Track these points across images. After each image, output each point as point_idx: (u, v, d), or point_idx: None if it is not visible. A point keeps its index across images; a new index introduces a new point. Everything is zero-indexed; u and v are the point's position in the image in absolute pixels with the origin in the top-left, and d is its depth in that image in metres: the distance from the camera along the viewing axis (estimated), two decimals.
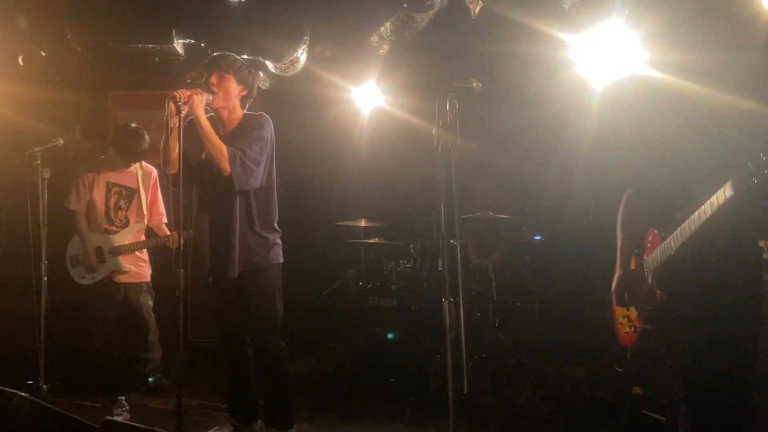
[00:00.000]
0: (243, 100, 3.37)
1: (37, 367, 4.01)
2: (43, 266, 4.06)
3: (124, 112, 5.73)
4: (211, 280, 3.35)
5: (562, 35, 4.39)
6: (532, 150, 5.61)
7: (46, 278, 4.08)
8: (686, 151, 2.49)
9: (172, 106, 2.89)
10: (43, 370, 4.02)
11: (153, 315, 4.56)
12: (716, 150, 2.36)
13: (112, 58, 5.19)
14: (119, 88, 5.81)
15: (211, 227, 3.30)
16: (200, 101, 3.04)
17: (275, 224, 3.41)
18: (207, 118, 3.15)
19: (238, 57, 3.36)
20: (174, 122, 2.88)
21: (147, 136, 4.48)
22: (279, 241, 3.43)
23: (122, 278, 4.44)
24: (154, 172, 4.65)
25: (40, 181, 4.02)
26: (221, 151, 3.07)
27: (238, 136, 3.25)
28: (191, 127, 3.08)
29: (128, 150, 4.41)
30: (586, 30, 4.29)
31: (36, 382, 4.04)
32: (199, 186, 3.37)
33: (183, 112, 2.90)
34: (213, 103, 3.19)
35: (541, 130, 5.52)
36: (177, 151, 2.88)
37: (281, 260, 3.43)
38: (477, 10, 3.97)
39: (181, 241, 2.76)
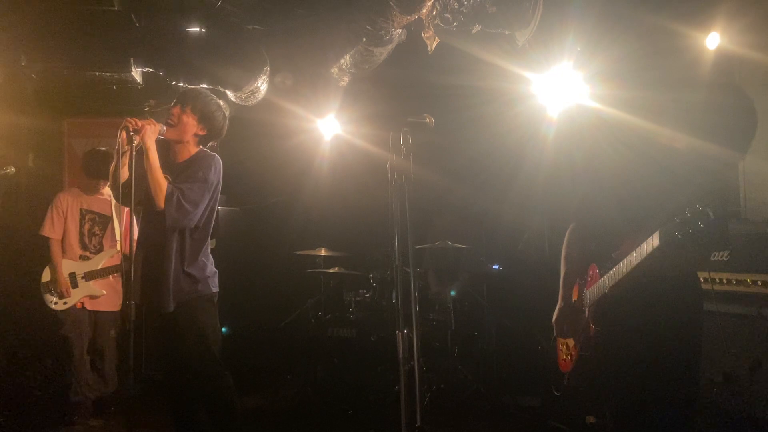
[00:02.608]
0: (202, 140, 3.33)
1: None
2: None
3: (79, 139, 5.63)
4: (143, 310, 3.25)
5: (517, 70, 4.52)
6: (489, 180, 5.71)
7: None
8: (631, 183, 2.57)
9: (124, 134, 2.88)
10: None
11: (113, 346, 4.53)
12: (658, 184, 2.44)
13: (69, 85, 5.14)
14: (75, 115, 5.71)
15: (145, 257, 3.24)
16: (152, 131, 3.03)
17: (204, 258, 3.32)
18: (163, 141, 3.15)
19: (213, 98, 3.32)
20: (125, 150, 2.87)
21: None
22: (208, 273, 3.32)
23: (93, 306, 4.45)
24: None
25: None
26: (160, 186, 3.06)
27: (184, 172, 3.23)
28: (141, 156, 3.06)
29: (98, 171, 4.47)
30: (540, 65, 4.44)
31: None
32: (143, 212, 3.31)
33: (135, 141, 2.88)
34: (166, 134, 3.18)
35: (499, 161, 5.63)
36: (126, 179, 2.87)
37: (214, 290, 3.33)
38: (434, 46, 4.07)
39: (132, 274, 2.72)
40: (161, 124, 3.11)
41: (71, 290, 4.37)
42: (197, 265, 3.27)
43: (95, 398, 4.43)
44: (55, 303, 4.37)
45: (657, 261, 2.23)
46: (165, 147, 3.23)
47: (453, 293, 5.30)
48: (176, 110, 3.23)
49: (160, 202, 3.06)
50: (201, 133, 3.29)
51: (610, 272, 2.46)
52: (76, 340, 4.37)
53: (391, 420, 4.38)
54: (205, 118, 3.26)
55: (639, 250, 2.27)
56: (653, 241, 2.19)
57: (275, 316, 6.06)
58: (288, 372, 5.71)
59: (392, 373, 4.76)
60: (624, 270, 2.36)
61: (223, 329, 5.18)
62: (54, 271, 4.37)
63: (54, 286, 4.37)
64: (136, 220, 3.25)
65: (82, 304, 4.41)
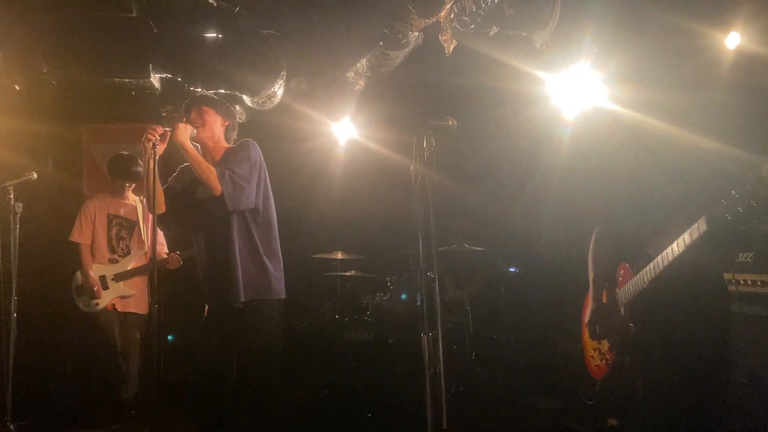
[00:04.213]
0: (227, 132, 3.40)
1: (4, 406, 3.91)
2: (13, 302, 4.00)
3: (98, 145, 5.69)
4: (207, 309, 3.27)
5: (532, 70, 4.51)
6: (504, 182, 5.71)
7: (15, 314, 4.00)
8: (652, 185, 2.56)
9: (148, 144, 2.93)
10: (10, 409, 3.91)
11: (138, 349, 4.60)
12: (680, 185, 2.43)
13: (88, 92, 5.19)
14: (93, 121, 5.77)
15: (209, 254, 3.23)
16: (183, 128, 3.09)
17: (278, 253, 3.30)
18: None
19: (212, 95, 3.42)
20: (151, 159, 2.92)
21: (140, 161, 4.59)
22: (281, 273, 3.29)
23: (123, 307, 4.58)
24: None
25: (11, 216, 3.99)
26: (210, 170, 3.07)
27: (225, 161, 3.23)
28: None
29: (122, 173, 4.65)
30: (557, 66, 4.42)
31: (2, 422, 3.93)
32: (191, 217, 3.33)
33: (159, 150, 2.94)
34: (197, 136, 3.23)
35: (515, 163, 5.62)
36: (157, 189, 2.92)
37: (283, 296, 3.29)
38: (451, 49, 4.07)
39: (155, 277, 2.74)
40: (191, 127, 3.16)
41: (102, 291, 4.51)
42: (272, 255, 3.24)
43: (117, 402, 4.46)
44: (87, 305, 4.51)
45: (693, 254, 2.20)
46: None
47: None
48: (194, 114, 3.28)
49: (216, 185, 3.04)
50: (226, 122, 3.37)
51: (648, 266, 2.42)
52: (105, 342, 4.46)
53: (410, 423, 4.40)
54: (219, 108, 3.34)
55: (682, 238, 2.22)
56: (700, 227, 2.14)
57: (292, 320, 6.07)
58: (305, 375, 5.72)
59: (410, 376, 4.76)
60: (665, 261, 2.31)
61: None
62: (84, 274, 4.52)
63: (85, 288, 4.51)
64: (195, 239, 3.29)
65: (113, 305, 4.55)
